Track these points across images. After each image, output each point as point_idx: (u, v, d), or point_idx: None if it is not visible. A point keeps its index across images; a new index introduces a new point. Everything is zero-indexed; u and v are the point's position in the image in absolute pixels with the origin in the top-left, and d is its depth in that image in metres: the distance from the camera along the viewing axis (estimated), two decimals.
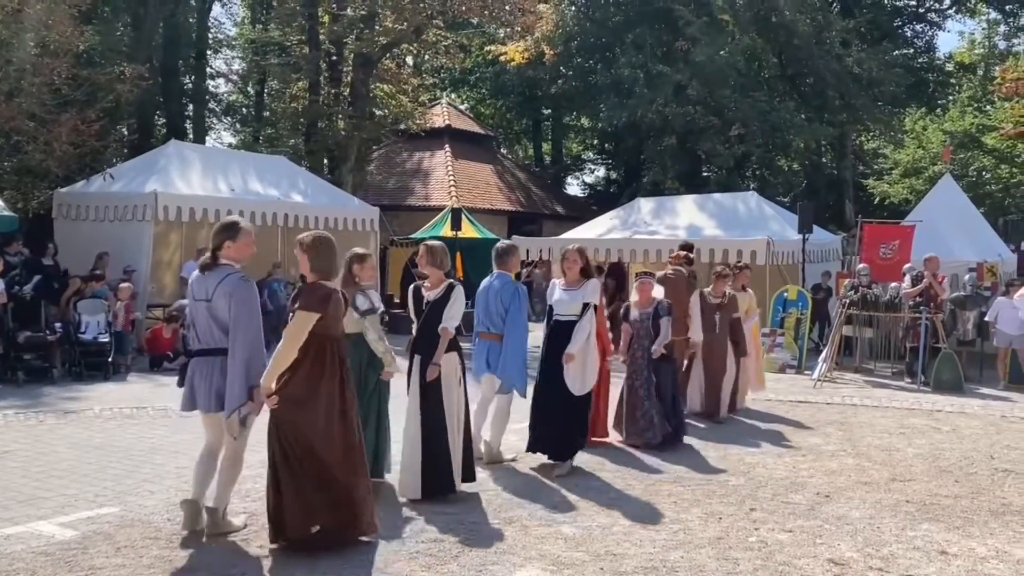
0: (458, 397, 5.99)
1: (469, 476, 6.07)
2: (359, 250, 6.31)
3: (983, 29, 32.00)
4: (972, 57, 32.17)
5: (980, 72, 30.85)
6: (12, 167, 15.78)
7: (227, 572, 4.57)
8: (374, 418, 6.14)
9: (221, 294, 4.88)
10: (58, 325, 11.52)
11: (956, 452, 7.95)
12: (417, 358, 5.93)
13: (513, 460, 7.16)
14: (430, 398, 5.84)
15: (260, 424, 4.99)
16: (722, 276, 9.52)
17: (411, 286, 6.25)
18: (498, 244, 7.36)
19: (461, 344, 6.17)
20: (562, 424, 6.79)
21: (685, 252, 9.46)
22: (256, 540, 5.03)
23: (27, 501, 5.80)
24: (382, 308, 6.48)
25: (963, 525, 5.71)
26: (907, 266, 13.24)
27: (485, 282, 7.15)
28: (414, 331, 6.08)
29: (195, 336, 5.08)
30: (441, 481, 5.84)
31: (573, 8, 29.33)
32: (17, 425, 8.42)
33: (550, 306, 7.10)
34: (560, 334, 6.84)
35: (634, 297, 8.11)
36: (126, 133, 22.60)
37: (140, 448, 7.41)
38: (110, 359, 11.52)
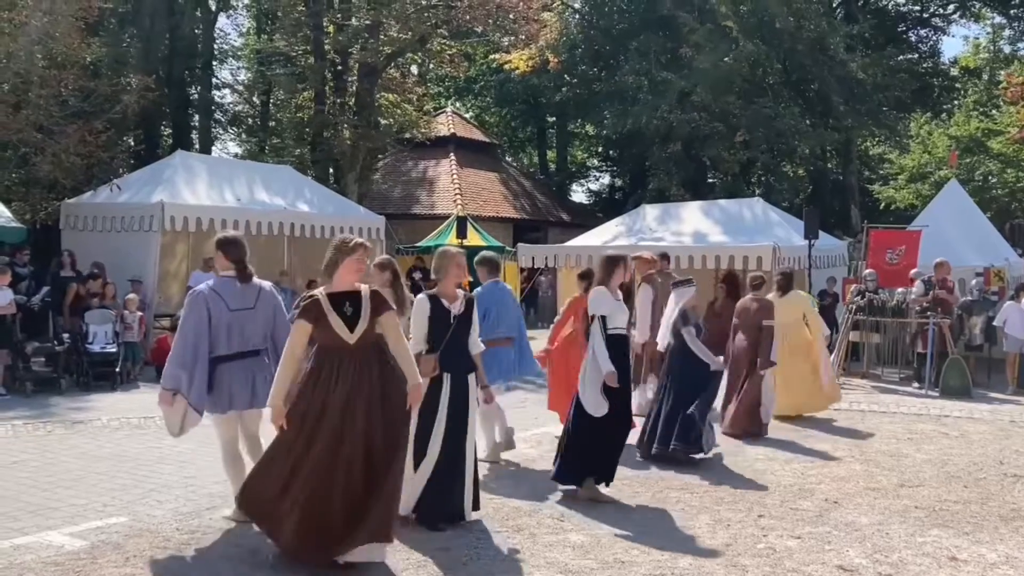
0: (473, 418, 5.73)
1: (477, 504, 5.75)
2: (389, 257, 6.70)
3: (988, 33, 32.01)
4: (977, 61, 32.15)
5: (985, 76, 30.81)
6: (20, 178, 15.87)
7: None
8: None
9: (266, 303, 5.49)
10: (66, 336, 11.57)
11: (965, 458, 7.92)
12: (447, 376, 5.56)
13: (507, 464, 7.23)
14: (457, 420, 5.54)
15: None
16: (755, 286, 9.07)
17: (427, 296, 5.66)
18: (488, 254, 7.38)
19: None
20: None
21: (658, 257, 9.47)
22: (267, 548, 5.04)
23: (36, 511, 5.81)
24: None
25: (973, 531, 5.69)
26: (914, 271, 13.21)
27: (490, 288, 7.17)
28: (427, 345, 5.60)
29: (225, 342, 5.34)
30: (448, 507, 5.50)
31: (577, 16, 29.44)
32: (26, 435, 8.45)
33: (602, 317, 6.30)
34: (618, 350, 6.26)
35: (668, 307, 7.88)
36: (132, 144, 22.69)
37: (148, 458, 7.42)
38: (118, 369, 11.56)
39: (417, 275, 18.64)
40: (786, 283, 9.66)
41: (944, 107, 30.00)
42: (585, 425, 6.20)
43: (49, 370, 11.30)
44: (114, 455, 7.58)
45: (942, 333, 12.09)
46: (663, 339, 7.80)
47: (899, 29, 29.75)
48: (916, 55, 29.94)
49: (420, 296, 5.71)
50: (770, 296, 9.23)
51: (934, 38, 30.53)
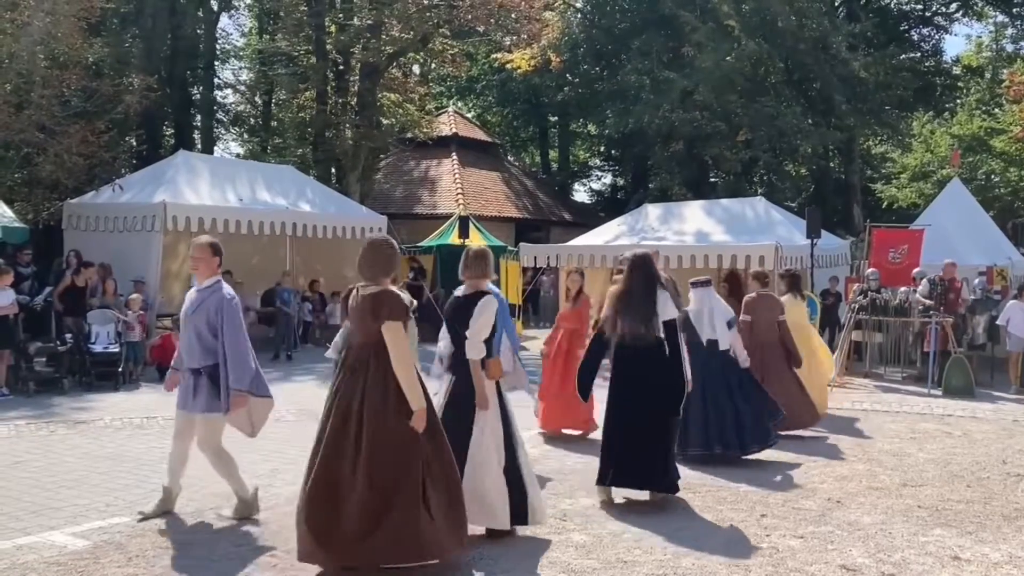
0: None
1: None
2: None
3: (990, 32, 31.94)
4: (979, 60, 32.11)
5: (988, 75, 30.77)
6: (22, 178, 15.88)
7: None
8: None
9: None
10: (68, 336, 11.58)
11: (968, 457, 7.91)
12: (450, 377, 5.46)
13: None
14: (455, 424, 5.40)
15: (270, 434, 5.01)
16: (766, 283, 8.93)
17: (496, 296, 5.41)
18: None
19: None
20: None
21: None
22: (268, 549, 5.04)
23: (39, 511, 5.82)
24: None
25: (976, 530, 5.68)
26: (917, 270, 13.20)
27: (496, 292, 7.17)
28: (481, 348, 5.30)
29: None
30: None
31: (579, 15, 29.42)
32: (28, 435, 8.46)
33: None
34: None
35: (694, 306, 7.71)
36: (135, 144, 22.70)
37: (150, 458, 7.42)
38: (120, 369, 11.57)
39: (410, 275, 18.63)
40: (799, 285, 9.67)
41: (947, 106, 29.95)
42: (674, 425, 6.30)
43: (51, 370, 11.32)
44: (116, 455, 7.59)
45: (945, 332, 12.07)
46: (725, 339, 7.64)
47: (901, 28, 29.69)
48: (918, 54, 29.86)
49: (491, 296, 5.30)
50: (785, 298, 9.19)
51: (936, 37, 30.45)
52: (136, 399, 10.69)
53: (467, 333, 5.17)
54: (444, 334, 5.45)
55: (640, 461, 6.09)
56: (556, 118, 35.60)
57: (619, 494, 6.28)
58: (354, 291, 4.85)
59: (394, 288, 4.80)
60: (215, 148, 28.18)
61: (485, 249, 5.69)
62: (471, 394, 5.18)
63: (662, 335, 6.06)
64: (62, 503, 6.03)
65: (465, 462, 5.07)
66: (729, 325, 7.61)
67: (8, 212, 13.69)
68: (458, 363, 5.26)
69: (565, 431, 8.53)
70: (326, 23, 22.56)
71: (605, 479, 6.18)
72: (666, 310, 6.09)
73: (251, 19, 31.30)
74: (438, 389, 6.40)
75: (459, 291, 5.45)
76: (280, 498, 6.11)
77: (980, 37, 32.67)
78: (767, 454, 7.83)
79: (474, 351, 5.16)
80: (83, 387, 11.31)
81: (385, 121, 23.95)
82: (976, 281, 13.77)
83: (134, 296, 12.49)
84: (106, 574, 4.65)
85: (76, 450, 7.79)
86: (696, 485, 6.72)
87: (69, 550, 5.03)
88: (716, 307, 7.64)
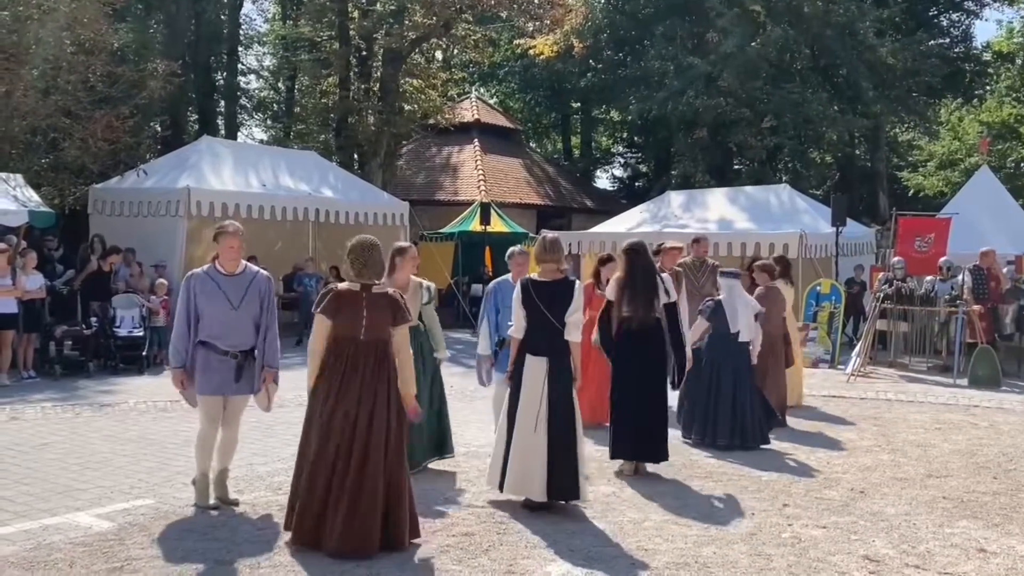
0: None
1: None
2: (399, 243, 6.59)
3: (1022, 17, 31.31)
4: (1011, 46, 31.46)
5: (1019, 61, 30.18)
6: (49, 163, 16.02)
7: (259, 563, 4.60)
8: (437, 402, 6.52)
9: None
10: (94, 320, 11.70)
11: (994, 448, 7.81)
12: (544, 359, 5.58)
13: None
14: (563, 402, 5.59)
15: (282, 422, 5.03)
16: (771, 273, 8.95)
17: (528, 280, 5.71)
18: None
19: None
20: None
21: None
22: (289, 532, 5.07)
23: (65, 492, 5.89)
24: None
25: (1002, 522, 5.61)
26: (943, 259, 13.02)
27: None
28: (522, 330, 5.66)
29: None
30: (568, 483, 5.54)
31: (602, 0, 29.18)
32: (55, 418, 8.57)
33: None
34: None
35: (725, 295, 7.77)
36: (159, 129, 22.85)
37: (174, 441, 7.48)
38: (145, 353, 11.68)
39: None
40: (789, 271, 9.60)
41: (976, 92, 29.44)
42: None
43: (77, 353, 11.47)
44: (140, 438, 7.67)
45: (972, 323, 11.93)
46: (748, 332, 7.73)
47: (930, 13, 29.19)
48: (947, 40, 29.36)
49: (579, 281, 5.85)
50: (778, 283, 9.13)
51: (966, 22, 29.93)
52: (160, 383, 10.77)
53: (569, 317, 5.53)
54: (519, 317, 5.64)
55: (645, 435, 6.46)
56: (579, 104, 35.38)
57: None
58: (360, 289, 4.92)
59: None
60: (238, 134, 28.30)
61: (558, 236, 6.03)
62: (569, 372, 5.59)
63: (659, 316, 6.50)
64: (87, 485, 6.09)
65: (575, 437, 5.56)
66: (756, 318, 7.75)
67: (35, 196, 13.82)
68: (556, 345, 5.55)
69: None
70: (349, 9, 22.53)
71: (618, 453, 6.56)
72: (665, 294, 6.57)
73: (274, 4, 31.33)
74: (486, 380, 6.95)
75: (537, 276, 5.70)
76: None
77: (1011, 22, 32.01)
78: (790, 443, 7.79)
79: (577, 333, 5.59)
80: (108, 370, 11.46)
81: (407, 107, 23.90)
82: (1004, 270, 13.55)
83: (160, 281, 12.59)
84: (131, 555, 4.70)
85: (101, 432, 7.88)
86: (718, 474, 6.69)
87: (94, 531, 5.09)
88: (744, 299, 7.79)
